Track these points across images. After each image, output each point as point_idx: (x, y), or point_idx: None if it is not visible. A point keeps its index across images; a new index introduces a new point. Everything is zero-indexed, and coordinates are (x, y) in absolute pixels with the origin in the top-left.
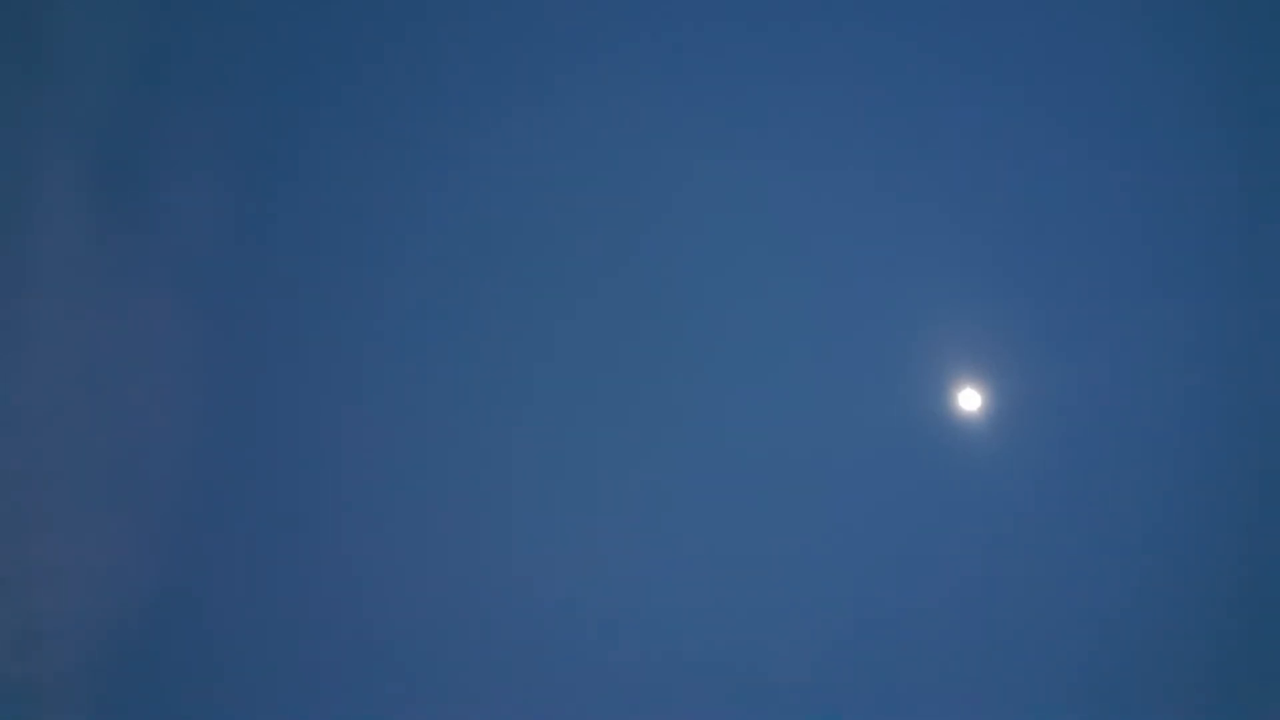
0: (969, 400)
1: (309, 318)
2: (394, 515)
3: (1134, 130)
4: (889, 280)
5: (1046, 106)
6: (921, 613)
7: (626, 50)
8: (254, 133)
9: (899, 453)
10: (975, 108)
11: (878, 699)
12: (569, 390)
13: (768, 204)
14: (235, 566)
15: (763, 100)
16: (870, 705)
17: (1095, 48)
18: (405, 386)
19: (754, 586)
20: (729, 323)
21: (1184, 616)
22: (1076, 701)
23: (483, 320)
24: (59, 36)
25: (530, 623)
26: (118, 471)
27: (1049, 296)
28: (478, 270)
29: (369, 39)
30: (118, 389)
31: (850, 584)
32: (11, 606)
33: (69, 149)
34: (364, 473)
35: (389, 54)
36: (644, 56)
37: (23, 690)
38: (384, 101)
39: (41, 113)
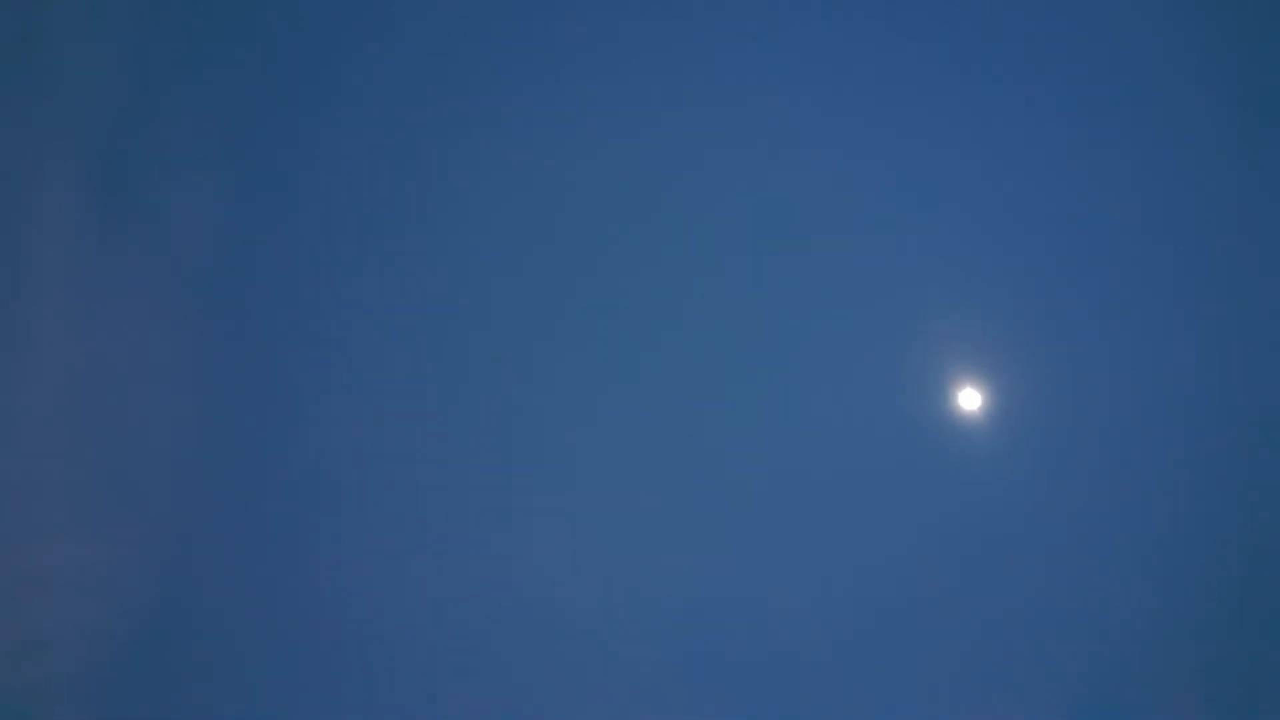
0: (969, 399)
1: (308, 320)
2: (398, 520)
3: (1135, 129)
4: (889, 279)
5: (1047, 106)
6: (921, 612)
7: (628, 45)
8: (252, 134)
9: (898, 452)
10: (975, 108)
11: (877, 699)
12: (568, 390)
13: (765, 203)
14: (236, 572)
15: (761, 100)
16: (870, 705)
17: (1097, 47)
18: (405, 389)
19: (753, 587)
20: (728, 321)
21: (1184, 616)
22: (1076, 701)
23: (483, 322)
24: (58, 37)
25: (530, 624)
26: (117, 476)
27: (1049, 296)
28: (477, 271)
29: (368, 40)
30: (117, 394)
31: (849, 584)
32: (11, 614)
33: (68, 150)
34: (365, 477)
35: (388, 55)
36: (645, 53)
37: (22, 698)
38: (383, 102)
39: (41, 113)
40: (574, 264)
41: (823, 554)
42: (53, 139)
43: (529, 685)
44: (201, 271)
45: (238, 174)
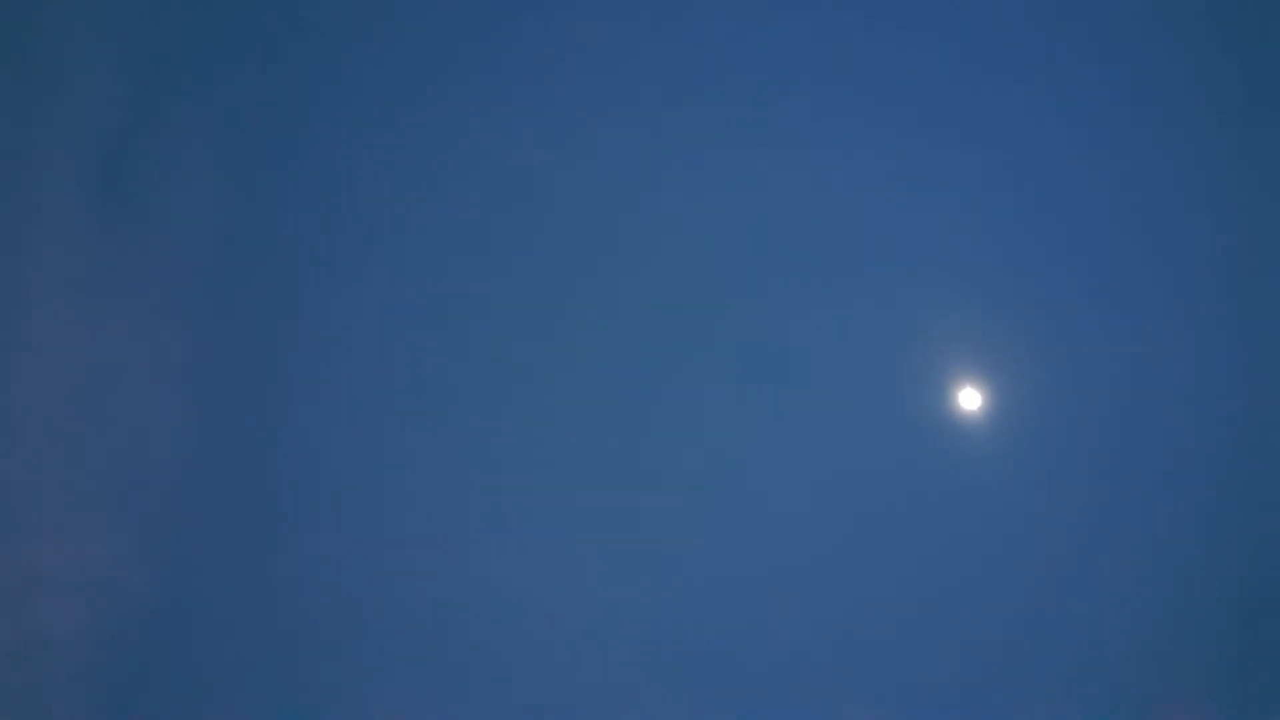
0: (969, 400)
1: (307, 321)
2: (396, 521)
3: (1135, 129)
4: (889, 280)
5: (1048, 106)
6: (921, 613)
7: (628, 46)
8: (251, 134)
9: (897, 452)
10: (975, 108)
11: (878, 699)
12: (567, 390)
13: (764, 204)
14: (235, 572)
15: (761, 101)
16: (871, 706)
17: (1097, 47)
18: (403, 390)
19: (752, 587)
20: (727, 322)
21: (1184, 616)
22: (1076, 701)
23: (483, 322)
24: (58, 36)
25: (530, 625)
26: (117, 476)
27: (1049, 296)
28: (476, 272)
29: (367, 41)
30: (117, 394)
31: (849, 584)
32: (11, 614)
33: (68, 150)
34: (363, 477)
35: (386, 55)
36: (645, 53)
37: (22, 698)
38: (380, 102)
39: (41, 113)
40: (572, 265)
41: (822, 554)
42: (53, 139)
43: (528, 686)
44: (200, 271)
45: (237, 175)
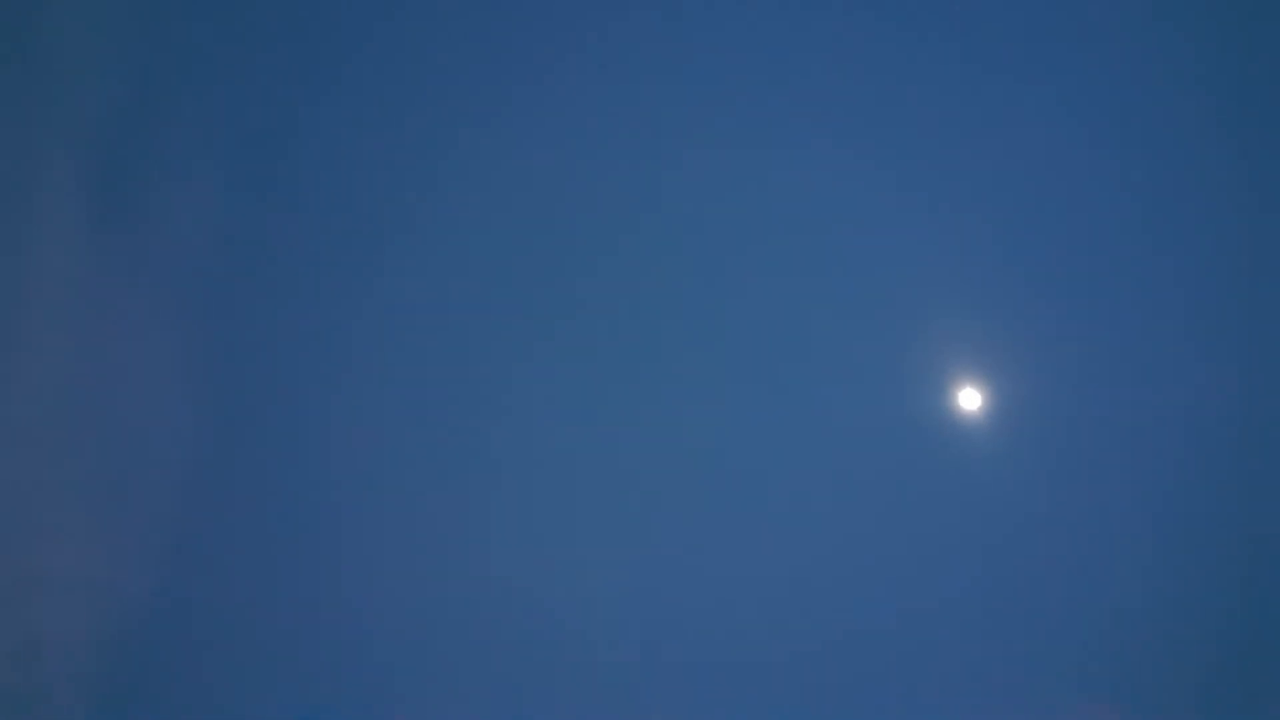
0: (969, 399)
1: (306, 322)
2: (396, 523)
3: (1136, 129)
4: (888, 281)
5: (1048, 104)
6: (921, 613)
7: (628, 46)
8: (252, 136)
9: (897, 453)
10: (975, 108)
11: (877, 700)
12: (566, 392)
13: (764, 204)
14: (235, 572)
15: (761, 101)
16: (868, 706)
17: (1097, 45)
18: (404, 391)
19: (751, 586)
20: (727, 323)
21: (1184, 616)
22: (1077, 701)
23: (482, 323)
24: (58, 36)
25: (529, 627)
26: (116, 477)
27: (1049, 297)
28: (475, 273)
29: (366, 39)
30: (117, 395)
31: (849, 583)
32: (11, 614)
33: (69, 150)
34: (363, 479)
35: (386, 54)
36: (644, 53)
37: (21, 699)
38: (380, 102)
39: (41, 113)
40: (573, 265)
41: (823, 554)
42: (53, 139)
43: (528, 686)
44: (200, 273)
45: (237, 175)
